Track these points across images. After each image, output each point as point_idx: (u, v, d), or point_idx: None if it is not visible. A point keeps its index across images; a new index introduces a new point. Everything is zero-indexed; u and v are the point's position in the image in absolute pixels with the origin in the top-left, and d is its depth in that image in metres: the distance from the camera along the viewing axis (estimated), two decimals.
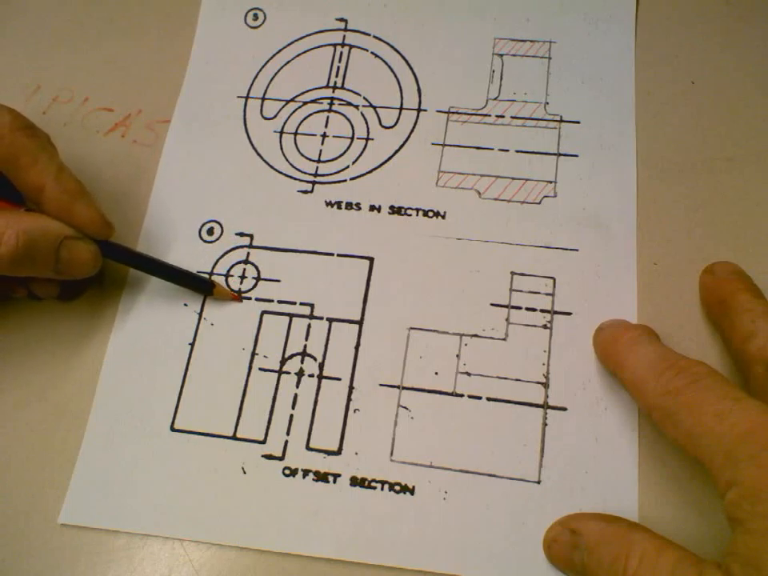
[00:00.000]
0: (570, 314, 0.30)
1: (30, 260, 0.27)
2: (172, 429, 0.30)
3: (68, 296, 0.32)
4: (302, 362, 0.30)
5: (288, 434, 0.29)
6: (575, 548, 0.25)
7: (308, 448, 0.29)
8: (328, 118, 0.35)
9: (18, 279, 0.29)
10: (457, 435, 0.28)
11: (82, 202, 0.29)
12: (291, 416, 0.29)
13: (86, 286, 0.32)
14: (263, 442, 0.29)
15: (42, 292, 0.31)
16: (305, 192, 0.34)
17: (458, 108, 0.35)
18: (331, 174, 0.34)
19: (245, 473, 0.29)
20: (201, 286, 0.31)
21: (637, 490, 0.27)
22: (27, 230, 0.27)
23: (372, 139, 0.35)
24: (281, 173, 0.34)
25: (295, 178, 0.34)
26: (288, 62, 0.37)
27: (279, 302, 0.31)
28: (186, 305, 0.32)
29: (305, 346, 0.31)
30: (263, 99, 0.36)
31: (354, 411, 0.29)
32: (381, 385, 0.30)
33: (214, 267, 0.32)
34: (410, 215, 0.33)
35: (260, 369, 0.30)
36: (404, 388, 0.29)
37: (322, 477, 0.28)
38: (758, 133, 0.33)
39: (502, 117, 0.34)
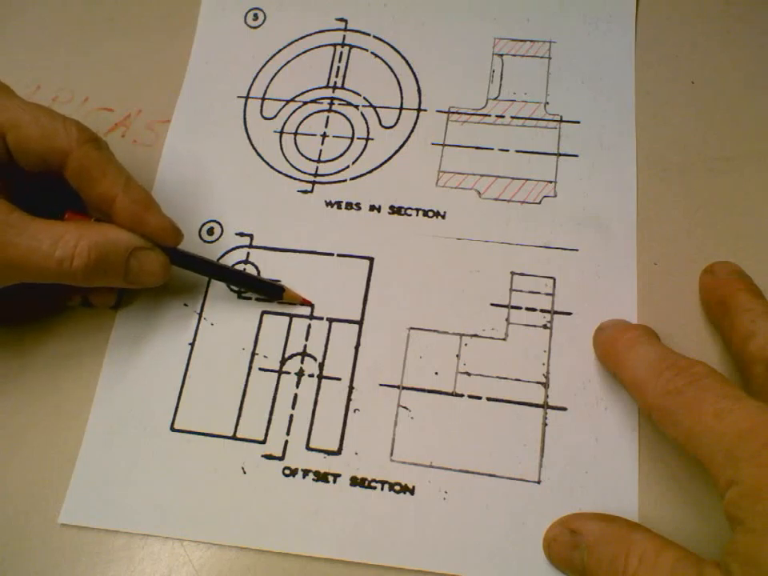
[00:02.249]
0: (570, 314, 0.30)
1: (102, 272, 0.28)
2: (172, 429, 0.30)
3: (120, 305, 0.32)
4: (302, 362, 0.30)
5: (288, 433, 0.29)
6: (575, 548, 0.25)
7: (308, 448, 0.29)
8: (328, 118, 0.35)
9: (76, 287, 0.29)
10: (457, 435, 0.28)
11: (153, 211, 0.29)
12: (291, 416, 0.29)
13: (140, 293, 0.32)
14: (263, 441, 0.29)
15: (100, 302, 0.31)
16: (305, 192, 0.34)
17: (458, 108, 0.35)
18: (331, 174, 0.34)
19: (245, 473, 0.29)
20: (270, 291, 0.31)
21: (637, 490, 0.27)
22: (99, 242, 0.27)
23: (372, 139, 0.35)
24: (281, 173, 0.34)
25: (295, 178, 0.34)
26: (288, 62, 0.37)
27: (279, 302, 0.31)
28: (186, 305, 0.32)
29: (305, 346, 0.31)
30: (263, 99, 0.36)
31: (354, 411, 0.29)
32: (381, 385, 0.30)
33: None
34: (410, 215, 0.33)
35: (260, 369, 0.30)
36: (404, 388, 0.29)
37: (322, 477, 0.28)
38: (758, 133, 0.33)
39: (502, 117, 0.34)
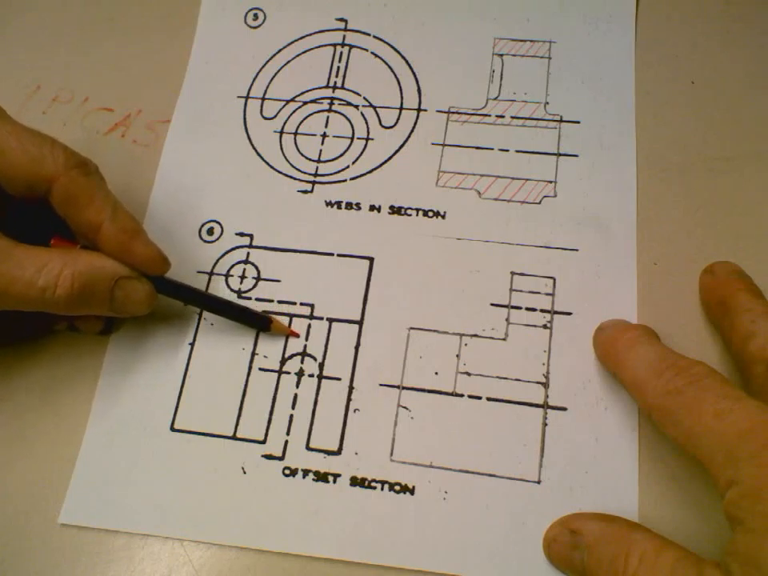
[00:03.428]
0: (570, 314, 0.30)
1: (86, 301, 0.27)
2: (172, 429, 0.30)
3: (109, 331, 0.32)
4: (302, 362, 0.30)
5: (288, 434, 0.29)
6: (575, 548, 0.25)
7: (308, 448, 0.29)
8: (328, 118, 0.35)
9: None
10: (457, 435, 0.28)
11: (140, 240, 0.28)
12: (291, 416, 0.29)
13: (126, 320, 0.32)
14: (263, 442, 0.29)
15: (86, 328, 0.31)
16: (305, 192, 0.34)
17: (458, 108, 0.35)
18: (331, 174, 0.34)
19: (245, 473, 0.29)
20: (257, 323, 0.31)
21: (637, 490, 0.27)
22: (83, 271, 0.27)
23: (372, 139, 0.35)
24: (281, 173, 0.34)
25: (295, 178, 0.34)
26: (288, 62, 0.37)
27: (279, 302, 0.31)
28: (186, 305, 0.32)
29: (305, 346, 0.31)
30: (263, 99, 0.36)
31: (354, 411, 0.29)
32: (381, 385, 0.30)
33: (213, 267, 0.32)
34: (410, 215, 0.33)
35: (260, 369, 0.30)
36: (404, 388, 0.29)
37: (321, 477, 0.28)
38: (758, 133, 0.33)
39: (502, 117, 0.34)
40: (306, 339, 0.31)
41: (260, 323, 0.31)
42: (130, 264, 0.28)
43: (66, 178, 0.27)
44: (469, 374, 0.29)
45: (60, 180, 0.27)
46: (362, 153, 0.34)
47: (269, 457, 0.29)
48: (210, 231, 0.33)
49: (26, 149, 0.27)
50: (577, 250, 0.31)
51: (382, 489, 0.28)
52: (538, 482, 0.27)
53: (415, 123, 0.35)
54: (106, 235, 0.28)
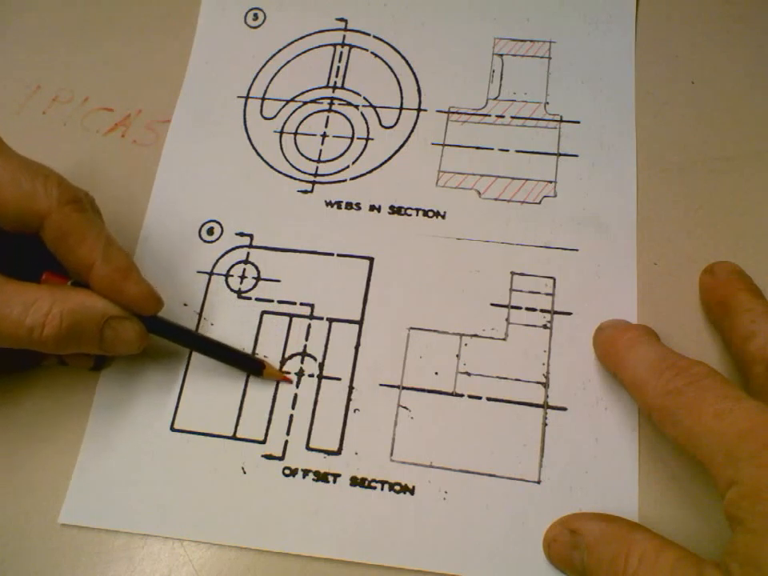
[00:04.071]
0: (570, 313, 0.30)
1: (75, 340, 0.27)
2: (172, 429, 0.30)
3: (100, 367, 0.31)
4: (302, 362, 0.30)
5: (288, 433, 0.29)
6: (575, 548, 0.25)
7: (308, 448, 0.29)
8: (328, 118, 0.35)
9: None
10: (457, 435, 0.28)
11: (132, 280, 0.28)
12: (291, 416, 0.29)
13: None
14: (263, 441, 0.29)
15: (76, 363, 0.30)
16: (305, 192, 0.34)
17: (458, 108, 0.35)
18: (331, 174, 0.34)
19: (245, 473, 0.29)
20: (250, 366, 0.30)
21: (637, 490, 0.27)
22: (72, 310, 0.26)
23: (372, 139, 0.35)
24: (281, 173, 0.34)
25: (295, 178, 0.34)
26: (288, 62, 0.37)
27: (279, 302, 0.31)
28: (185, 305, 0.32)
29: (305, 346, 0.31)
30: (263, 99, 0.36)
31: (354, 411, 0.29)
32: (381, 385, 0.30)
33: (214, 267, 0.32)
34: (410, 215, 0.33)
35: None
36: (404, 388, 0.29)
37: (322, 477, 0.28)
38: (758, 133, 0.33)
39: (502, 117, 0.34)
40: (306, 339, 0.31)
41: (252, 367, 0.30)
42: (121, 303, 0.28)
43: (58, 214, 0.27)
44: (469, 374, 0.29)
45: (52, 216, 0.27)
46: (362, 153, 0.34)
47: (269, 457, 0.29)
48: (210, 231, 0.33)
49: (19, 183, 0.27)
50: (577, 250, 0.31)
51: (382, 489, 0.28)
52: (538, 482, 0.27)
53: (415, 123, 0.35)
54: (97, 275, 0.27)
